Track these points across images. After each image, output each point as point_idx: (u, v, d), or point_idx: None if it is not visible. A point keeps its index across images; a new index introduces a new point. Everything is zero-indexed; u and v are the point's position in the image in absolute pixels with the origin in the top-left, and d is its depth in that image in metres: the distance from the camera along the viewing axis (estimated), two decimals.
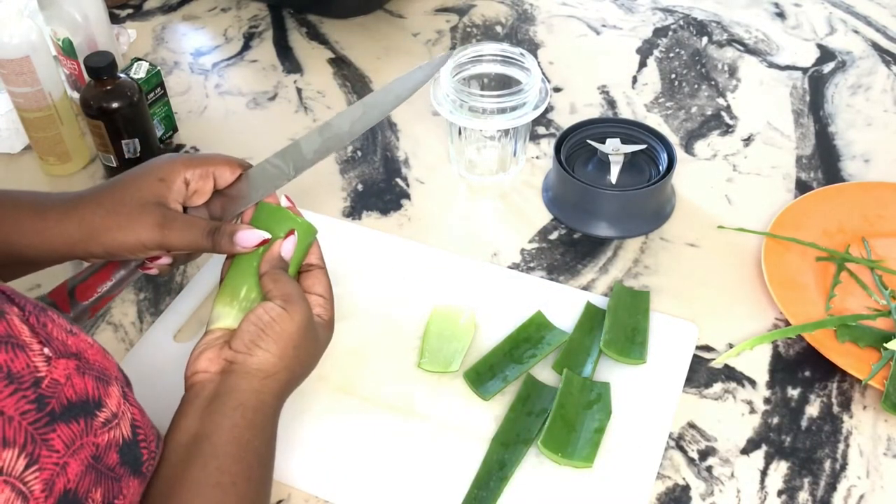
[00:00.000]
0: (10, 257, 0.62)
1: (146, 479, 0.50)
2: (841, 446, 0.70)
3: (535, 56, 1.07)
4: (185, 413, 0.57)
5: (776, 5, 1.21)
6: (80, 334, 0.46)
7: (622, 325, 0.76)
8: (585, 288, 0.82)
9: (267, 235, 0.62)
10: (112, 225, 0.61)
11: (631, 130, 0.91)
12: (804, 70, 1.09)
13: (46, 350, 0.43)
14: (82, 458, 0.43)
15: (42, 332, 0.43)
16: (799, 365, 0.76)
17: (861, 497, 0.67)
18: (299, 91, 1.07)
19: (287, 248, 0.62)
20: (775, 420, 0.72)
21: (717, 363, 0.75)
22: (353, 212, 0.91)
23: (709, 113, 1.03)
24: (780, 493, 0.67)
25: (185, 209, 0.65)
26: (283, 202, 0.66)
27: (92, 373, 0.45)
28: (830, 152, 0.97)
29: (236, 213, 0.66)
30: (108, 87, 0.86)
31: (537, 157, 0.97)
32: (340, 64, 1.12)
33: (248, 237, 0.61)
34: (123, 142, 0.89)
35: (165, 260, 0.65)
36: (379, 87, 0.70)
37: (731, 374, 0.75)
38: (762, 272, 0.81)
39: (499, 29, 1.18)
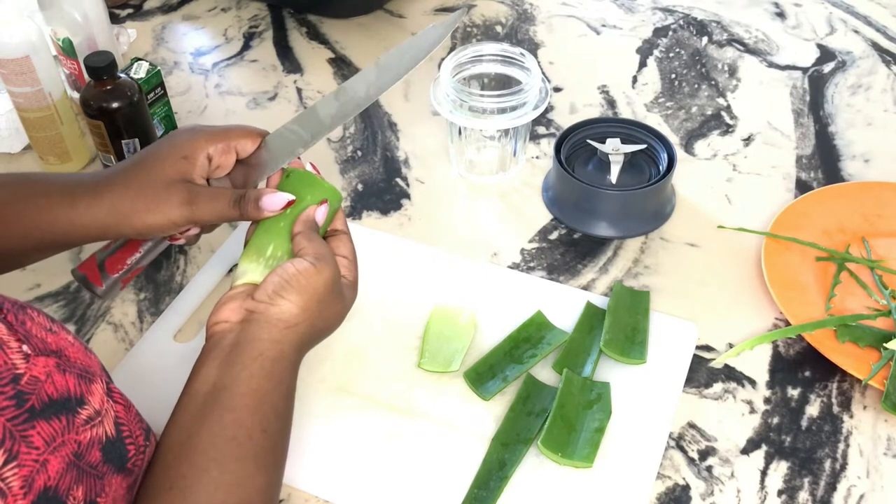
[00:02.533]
0: (44, 242, 0.64)
1: (133, 474, 0.50)
2: (841, 446, 0.70)
3: (535, 56, 1.07)
4: (204, 362, 0.57)
5: (776, 5, 1.21)
6: (59, 332, 0.47)
7: (622, 325, 0.76)
8: (585, 288, 0.82)
9: (291, 197, 0.63)
10: (141, 208, 0.62)
11: (631, 130, 0.91)
12: (804, 70, 1.09)
13: (25, 347, 0.43)
14: (63, 456, 0.43)
15: (21, 329, 0.43)
16: (799, 365, 0.76)
17: (861, 497, 0.67)
18: (299, 91, 1.07)
19: (321, 213, 0.64)
20: (775, 420, 0.72)
21: (717, 363, 0.75)
22: (354, 212, 0.91)
23: (709, 113, 1.03)
24: (780, 492, 0.67)
25: (207, 181, 0.66)
26: (308, 168, 0.67)
27: (73, 370, 0.45)
28: (830, 152, 0.97)
29: (259, 180, 0.67)
30: (108, 87, 0.86)
31: (537, 157, 0.97)
32: (340, 64, 1.12)
33: (274, 201, 0.62)
34: (123, 142, 0.89)
35: (193, 230, 0.67)
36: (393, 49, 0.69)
37: (731, 374, 0.75)
38: (762, 272, 0.81)
39: (499, 29, 1.18)
